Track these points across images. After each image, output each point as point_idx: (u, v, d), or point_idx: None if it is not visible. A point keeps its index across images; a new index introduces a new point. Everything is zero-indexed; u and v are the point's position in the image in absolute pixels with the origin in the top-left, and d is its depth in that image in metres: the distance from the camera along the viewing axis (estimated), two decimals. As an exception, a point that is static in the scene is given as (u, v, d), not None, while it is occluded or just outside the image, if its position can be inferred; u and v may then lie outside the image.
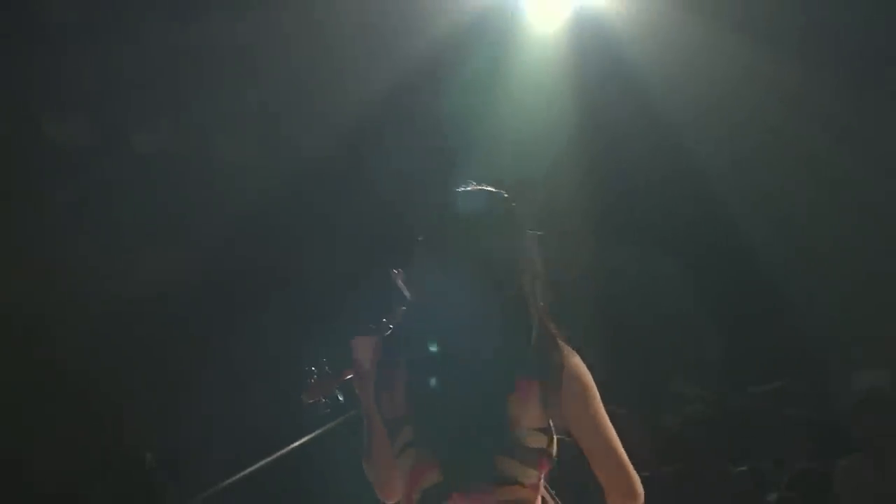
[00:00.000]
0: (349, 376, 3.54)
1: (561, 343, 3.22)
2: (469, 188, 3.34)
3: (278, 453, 5.94)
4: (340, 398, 3.69)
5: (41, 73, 7.80)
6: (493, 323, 3.16)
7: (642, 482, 8.27)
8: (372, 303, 3.49)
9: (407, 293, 3.35)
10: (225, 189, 8.20)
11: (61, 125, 8.05)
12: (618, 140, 8.87)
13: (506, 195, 3.32)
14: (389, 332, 3.31)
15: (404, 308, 3.31)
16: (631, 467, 3.29)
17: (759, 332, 9.19)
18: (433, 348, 3.18)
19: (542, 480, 3.19)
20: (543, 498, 3.25)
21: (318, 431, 5.59)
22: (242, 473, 6.02)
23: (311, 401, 3.68)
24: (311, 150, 8.00)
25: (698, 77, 8.10)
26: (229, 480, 6.05)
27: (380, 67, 7.85)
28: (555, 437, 3.18)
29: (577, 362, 3.22)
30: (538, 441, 3.14)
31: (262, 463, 5.95)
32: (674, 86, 8.19)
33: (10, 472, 7.31)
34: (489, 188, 3.34)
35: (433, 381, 3.15)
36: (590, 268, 8.86)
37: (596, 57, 8.11)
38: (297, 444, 5.81)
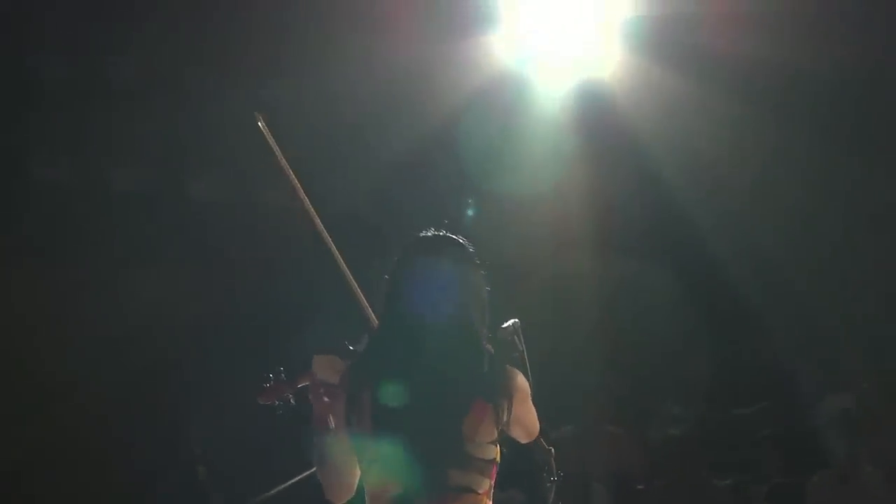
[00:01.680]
0: (303, 384, 3.53)
1: (508, 367, 3.29)
2: (429, 233, 3.38)
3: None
4: (293, 402, 3.66)
5: (106, 128, 7.88)
6: (449, 353, 3.19)
7: (636, 494, 8.51)
8: (333, 325, 3.59)
9: (375, 323, 3.44)
10: (264, 231, 8.26)
11: (124, 174, 8.23)
12: (618, 192, 8.92)
13: (460, 239, 3.37)
14: (357, 357, 3.35)
15: (371, 336, 3.38)
16: (535, 424, 3.43)
17: (741, 361, 9.25)
18: (396, 376, 3.19)
19: (492, 487, 3.24)
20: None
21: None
22: (282, 486, 5.94)
23: (265, 403, 3.66)
24: (336, 201, 8.03)
25: (689, 136, 8.15)
26: (270, 492, 6.04)
27: (401, 131, 7.89)
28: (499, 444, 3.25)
29: (521, 380, 3.30)
30: (490, 452, 3.20)
31: (299, 477, 5.81)
32: (668, 144, 8.23)
33: (81, 480, 7.45)
34: (446, 233, 3.38)
35: (395, 406, 3.16)
36: (593, 305, 8.95)
37: (599, 122, 8.14)
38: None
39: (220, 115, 7.72)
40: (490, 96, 7.86)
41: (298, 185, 3.82)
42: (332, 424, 3.33)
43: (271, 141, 3.85)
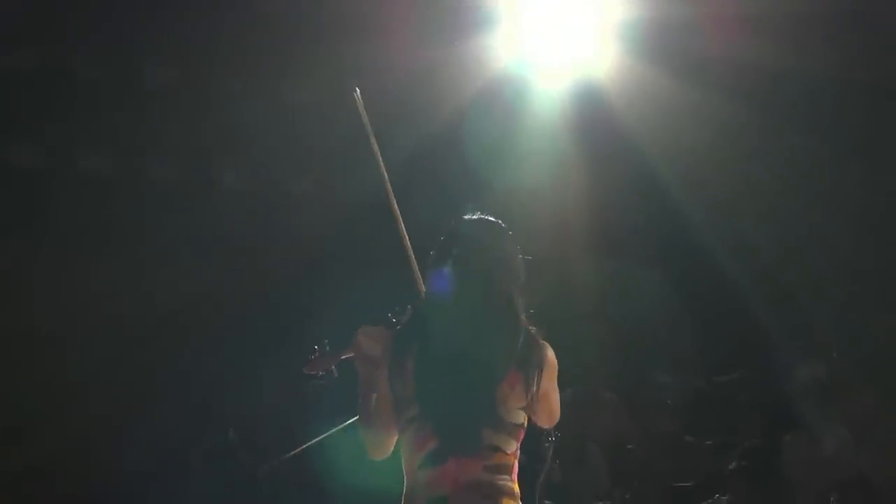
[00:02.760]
0: (346, 356, 3.63)
1: (541, 341, 3.36)
2: (473, 216, 3.48)
3: (333, 430, 5.73)
4: (336, 374, 3.78)
5: (144, 125, 8.23)
6: (489, 324, 3.28)
7: (627, 454, 8.75)
8: (375, 301, 3.67)
9: (420, 297, 3.53)
10: (290, 219, 8.57)
11: (162, 167, 8.49)
12: (614, 185, 9.07)
13: (501, 223, 3.47)
14: (402, 326, 3.40)
15: (415, 308, 3.44)
16: (558, 409, 3.47)
17: (722, 334, 9.39)
18: (440, 343, 3.28)
19: (518, 448, 3.33)
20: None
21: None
22: (302, 447, 6.12)
23: (311, 373, 3.77)
24: (354, 193, 7.82)
25: (679, 133, 8.26)
26: (292, 452, 6.22)
27: (409, 130, 7.86)
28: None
29: (552, 355, 3.37)
30: (519, 417, 3.30)
31: (319, 438, 5.94)
32: (661, 142, 8.36)
33: (130, 442, 7.82)
34: (489, 217, 3.48)
35: (437, 370, 3.25)
36: (592, 284, 9.16)
37: (595, 121, 8.27)
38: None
39: (244, 114, 8.05)
40: (490, 97, 7.98)
41: (381, 161, 3.76)
42: (377, 389, 3.41)
43: (363, 114, 3.76)
